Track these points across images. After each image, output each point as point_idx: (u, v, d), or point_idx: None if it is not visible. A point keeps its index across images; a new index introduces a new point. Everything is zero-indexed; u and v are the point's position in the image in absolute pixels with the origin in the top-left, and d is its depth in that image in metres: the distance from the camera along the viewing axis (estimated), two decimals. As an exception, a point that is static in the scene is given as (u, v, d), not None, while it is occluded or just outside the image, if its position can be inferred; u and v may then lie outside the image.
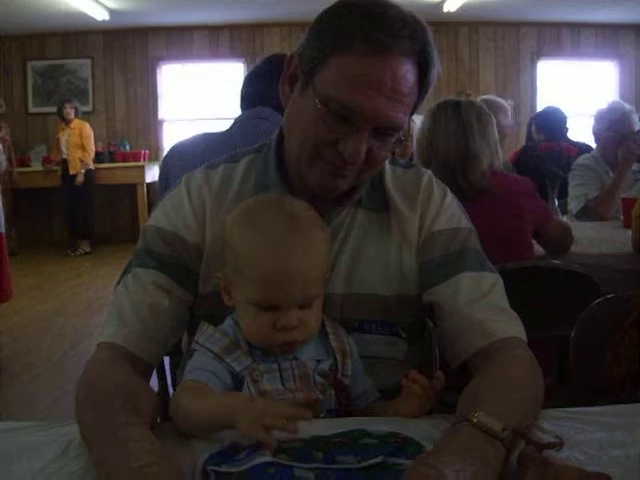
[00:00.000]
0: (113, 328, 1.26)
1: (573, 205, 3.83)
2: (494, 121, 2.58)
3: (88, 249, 8.94)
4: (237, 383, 1.13)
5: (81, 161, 8.68)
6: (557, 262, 2.39)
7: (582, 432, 1.06)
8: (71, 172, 8.68)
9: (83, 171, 8.70)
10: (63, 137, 8.72)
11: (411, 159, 3.66)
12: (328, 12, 1.22)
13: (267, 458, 0.92)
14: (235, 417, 0.97)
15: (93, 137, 8.89)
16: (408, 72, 1.19)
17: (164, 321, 1.28)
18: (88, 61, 9.93)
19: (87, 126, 8.81)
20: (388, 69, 1.16)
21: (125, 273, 1.34)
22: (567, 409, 1.18)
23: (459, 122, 2.45)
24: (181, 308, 1.32)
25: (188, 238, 1.33)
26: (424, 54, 1.21)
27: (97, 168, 9.03)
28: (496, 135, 2.57)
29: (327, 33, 1.19)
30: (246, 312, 1.15)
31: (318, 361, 1.19)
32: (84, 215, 8.88)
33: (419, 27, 1.20)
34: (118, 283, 1.34)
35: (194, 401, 1.07)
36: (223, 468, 0.92)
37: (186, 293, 1.32)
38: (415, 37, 1.18)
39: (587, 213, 3.73)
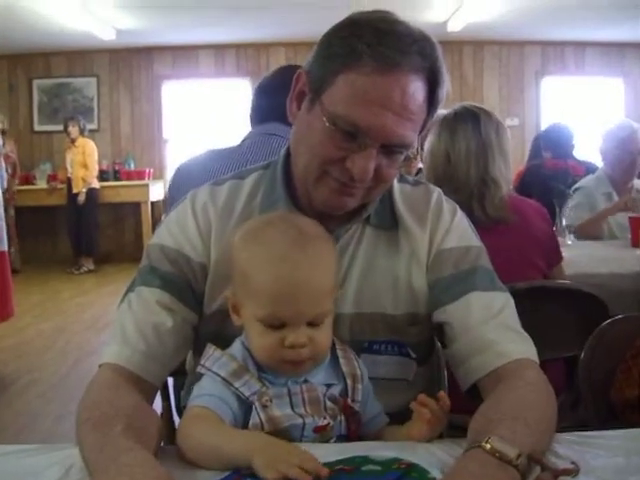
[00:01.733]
0: (116, 348, 1.24)
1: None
2: (508, 133, 2.45)
3: (92, 267, 8.93)
4: (246, 408, 1.10)
5: (83, 180, 8.68)
6: (565, 282, 2.36)
7: (597, 457, 1.03)
8: (74, 190, 8.69)
9: (84, 190, 8.69)
10: (69, 155, 8.74)
11: (416, 174, 3.63)
12: (335, 29, 1.21)
13: None
14: (252, 458, 0.95)
15: (97, 155, 8.90)
16: (417, 89, 1.17)
17: (168, 341, 1.26)
18: (94, 79, 9.97)
19: (90, 144, 8.82)
20: (397, 86, 1.15)
21: (128, 291, 1.32)
22: (581, 433, 1.15)
23: (479, 139, 2.31)
24: (185, 328, 1.29)
25: (192, 256, 1.31)
26: (433, 71, 1.19)
27: (102, 186, 9.04)
28: (510, 148, 2.43)
29: (334, 50, 1.18)
30: (255, 330, 1.12)
31: (328, 385, 1.16)
32: (88, 233, 8.88)
33: (428, 44, 1.19)
34: (122, 301, 1.32)
35: (210, 436, 1.04)
36: None
37: (190, 312, 1.30)
38: (424, 54, 1.17)
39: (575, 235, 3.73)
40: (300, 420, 1.09)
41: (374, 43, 1.14)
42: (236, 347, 1.17)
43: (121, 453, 0.95)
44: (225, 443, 1.02)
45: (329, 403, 1.14)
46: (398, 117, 1.16)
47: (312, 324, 1.10)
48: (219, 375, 1.12)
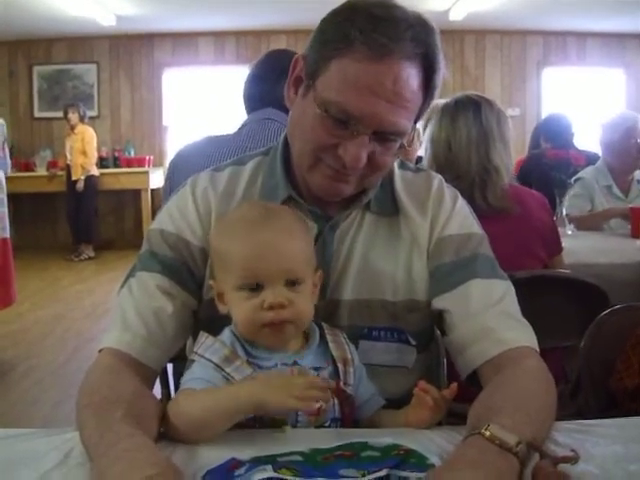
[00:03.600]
0: (116, 333, 1.24)
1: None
2: (510, 125, 2.45)
3: (92, 254, 8.93)
4: None
5: (82, 167, 8.65)
6: (566, 272, 2.36)
7: (597, 445, 1.03)
8: (73, 178, 8.67)
9: (83, 177, 8.66)
10: (68, 142, 8.71)
11: (416, 163, 3.62)
12: (332, 14, 1.20)
13: (268, 474, 0.90)
14: (264, 399, 0.99)
15: (96, 142, 8.86)
16: (411, 76, 1.16)
17: (168, 326, 1.26)
18: (94, 66, 9.93)
19: (89, 131, 8.78)
20: (389, 73, 1.14)
21: (129, 277, 1.32)
22: (580, 421, 1.15)
23: (480, 127, 2.31)
24: (185, 313, 1.30)
25: (192, 241, 1.31)
26: (428, 57, 1.18)
27: (101, 173, 9.03)
28: (511, 137, 2.44)
29: (328, 36, 1.17)
30: (235, 302, 1.14)
31: (317, 369, 1.17)
32: (86, 220, 8.87)
33: (423, 29, 1.17)
34: (122, 287, 1.32)
35: (204, 399, 1.06)
36: None
37: (190, 297, 1.30)
38: (418, 39, 1.16)
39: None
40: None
41: (367, 29, 1.13)
42: (225, 334, 1.18)
43: (121, 438, 0.95)
44: (221, 398, 1.04)
45: None
46: (390, 104, 1.15)
47: (289, 285, 1.12)
48: (211, 361, 1.13)
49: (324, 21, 1.21)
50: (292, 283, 1.12)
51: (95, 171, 8.86)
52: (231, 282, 1.14)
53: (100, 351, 1.24)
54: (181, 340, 1.32)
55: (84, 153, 8.64)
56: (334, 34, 1.16)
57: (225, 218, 1.22)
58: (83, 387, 1.14)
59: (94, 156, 8.82)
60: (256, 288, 1.11)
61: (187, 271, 1.30)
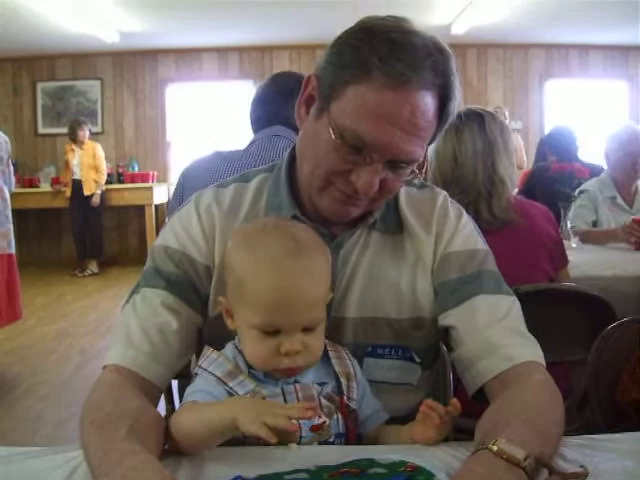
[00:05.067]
0: (120, 350, 1.23)
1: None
2: (511, 134, 2.47)
3: (96, 270, 8.93)
4: None
5: (96, 182, 8.68)
6: (571, 285, 2.35)
7: (606, 461, 1.02)
8: (85, 193, 8.65)
9: (99, 192, 8.71)
10: (74, 158, 8.71)
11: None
12: (347, 35, 1.18)
13: None
14: (236, 416, 0.97)
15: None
16: (427, 105, 1.15)
17: (173, 343, 1.25)
18: (97, 82, 9.97)
19: (99, 147, 8.83)
20: (407, 103, 1.13)
21: (133, 293, 1.32)
22: (589, 436, 1.14)
23: (485, 139, 2.32)
24: (189, 330, 1.29)
25: (197, 257, 1.30)
26: (445, 86, 1.17)
27: (107, 189, 9.04)
28: (513, 149, 2.45)
29: (346, 59, 1.15)
30: (249, 337, 1.12)
31: (321, 384, 1.16)
32: (95, 236, 8.88)
33: (442, 57, 1.16)
34: (126, 302, 1.32)
35: (194, 413, 1.06)
36: None
37: (194, 314, 1.29)
38: (437, 70, 1.15)
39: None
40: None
41: (386, 56, 1.11)
42: (228, 348, 1.18)
43: (125, 456, 0.95)
44: (207, 413, 1.04)
45: (324, 401, 1.15)
46: (406, 134, 1.14)
47: (306, 330, 1.11)
48: (214, 375, 1.13)
49: (340, 42, 1.18)
50: (310, 328, 1.12)
51: (104, 187, 8.90)
52: (247, 317, 1.12)
53: (104, 367, 1.23)
54: (185, 357, 1.31)
55: (96, 168, 8.66)
56: (351, 59, 1.14)
57: (249, 238, 1.16)
58: (87, 404, 1.14)
59: (105, 172, 8.85)
60: (273, 332, 1.10)
61: (192, 288, 1.29)
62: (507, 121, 8.12)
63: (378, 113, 1.12)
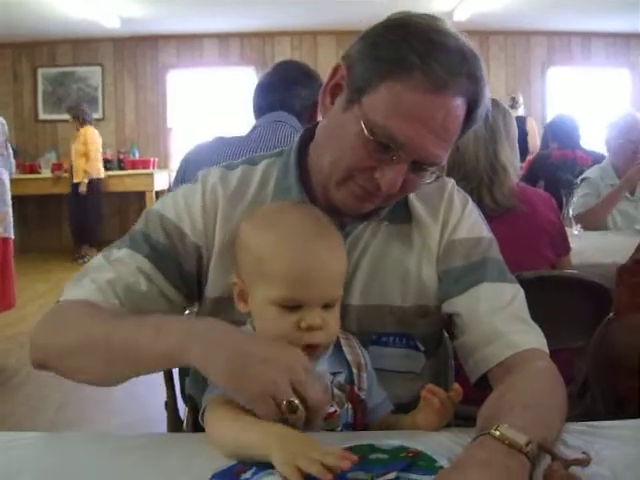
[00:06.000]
0: (86, 291, 1.23)
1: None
2: (515, 122, 2.46)
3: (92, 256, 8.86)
4: None
5: (84, 171, 8.53)
6: (573, 272, 2.35)
7: (608, 447, 1.02)
8: (75, 180, 8.58)
9: (86, 181, 8.54)
10: (72, 144, 8.69)
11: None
12: (384, 29, 1.17)
13: (275, 478, 0.89)
14: (270, 452, 0.92)
15: (100, 144, 8.77)
16: (459, 111, 1.15)
17: (140, 305, 1.23)
18: (98, 68, 9.95)
19: (93, 133, 8.66)
20: (442, 108, 1.12)
21: (113, 247, 1.31)
22: (590, 423, 1.14)
23: (487, 125, 2.30)
24: (159, 301, 1.27)
25: (189, 234, 1.29)
26: (476, 93, 1.17)
27: (108, 176, 9.00)
28: (517, 136, 2.45)
29: (382, 53, 1.13)
30: (268, 314, 1.11)
31: (334, 373, 1.15)
32: (90, 223, 8.79)
33: (477, 64, 1.16)
34: (103, 252, 1.31)
35: (228, 425, 1.02)
36: None
37: (171, 288, 1.28)
38: (472, 77, 1.15)
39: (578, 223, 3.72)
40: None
41: (426, 57, 1.10)
42: (247, 329, 1.17)
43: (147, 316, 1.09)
44: (242, 433, 0.99)
45: (336, 391, 1.14)
46: (436, 137, 1.14)
47: (326, 307, 1.10)
48: None
49: (375, 34, 1.17)
50: (329, 305, 1.11)
51: (100, 173, 8.77)
52: (266, 293, 1.10)
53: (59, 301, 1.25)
54: None
55: (85, 155, 8.55)
56: (389, 53, 1.13)
57: (267, 218, 1.16)
58: (63, 319, 1.20)
59: (97, 159, 8.70)
60: (293, 307, 1.09)
61: (175, 262, 1.28)
62: (522, 107, 8.14)
63: (413, 114, 1.11)
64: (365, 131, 1.13)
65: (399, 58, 1.11)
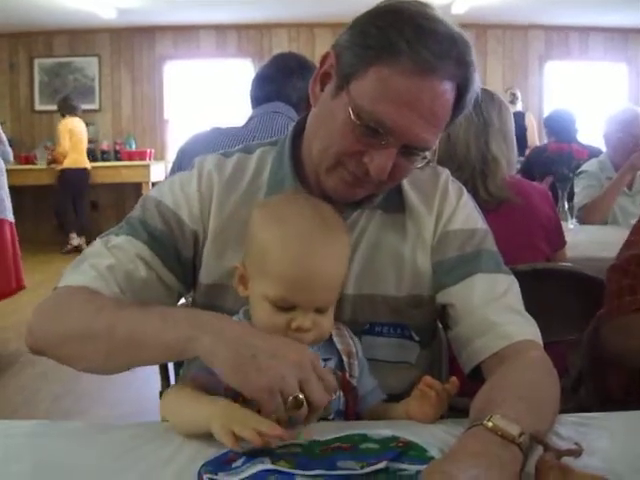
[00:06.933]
0: (86, 277, 1.22)
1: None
2: (512, 117, 2.45)
3: (75, 243, 8.78)
4: None
5: (57, 160, 8.57)
6: (568, 265, 2.35)
7: (600, 438, 1.03)
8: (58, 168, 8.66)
9: (57, 168, 8.58)
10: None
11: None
12: (373, 16, 1.17)
13: (266, 466, 0.90)
14: (210, 423, 0.97)
15: (81, 135, 8.67)
16: (447, 95, 1.15)
17: (139, 291, 1.24)
18: (95, 59, 9.92)
19: (70, 124, 8.62)
20: (429, 91, 1.12)
21: (110, 233, 1.31)
22: (583, 414, 1.15)
23: (479, 116, 2.28)
24: (157, 287, 1.27)
25: (186, 220, 1.30)
26: (465, 77, 1.17)
27: (103, 167, 9.01)
28: (513, 132, 2.43)
29: (371, 40, 1.14)
30: (261, 308, 1.11)
31: (325, 360, 1.16)
32: (73, 213, 8.82)
33: (467, 49, 1.16)
34: (100, 238, 1.31)
35: (180, 402, 1.06)
36: (220, 477, 0.89)
37: (169, 274, 1.28)
38: (461, 61, 1.15)
39: (579, 219, 3.71)
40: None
41: (414, 42, 1.10)
42: (236, 318, 1.18)
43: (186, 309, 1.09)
44: (189, 408, 1.04)
45: None
46: (424, 121, 1.14)
47: (319, 310, 1.10)
48: None
49: (364, 21, 1.17)
50: (323, 308, 1.11)
51: (79, 164, 8.68)
52: (263, 288, 1.10)
53: (56, 288, 1.24)
54: None
55: (62, 146, 8.56)
56: (377, 39, 1.13)
57: (277, 210, 1.15)
58: (63, 306, 1.19)
59: (76, 150, 8.64)
60: (287, 308, 1.09)
61: (173, 248, 1.28)
62: (519, 102, 8.14)
63: (401, 98, 1.12)
64: (352, 116, 1.14)
65: (387, 44, 1.12)
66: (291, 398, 0.97)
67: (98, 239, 1.31)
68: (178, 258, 1.29)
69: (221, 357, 1.00)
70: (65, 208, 8.85)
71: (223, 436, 0.94)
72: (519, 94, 8.19)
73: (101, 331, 1.10)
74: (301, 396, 0.98)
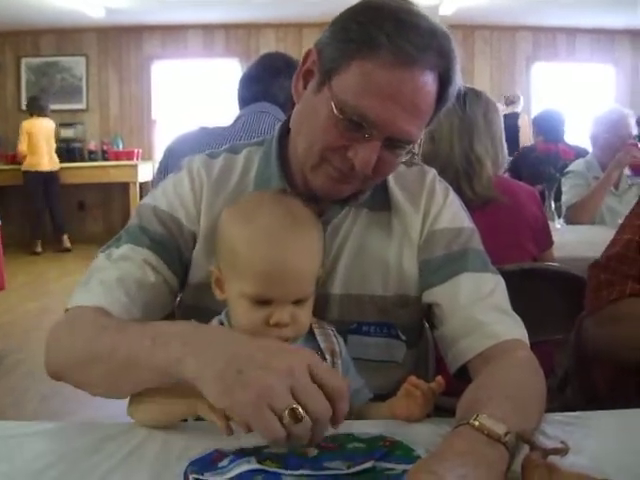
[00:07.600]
0: (93, 296, 1.20)
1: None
2: (501, 117, 2.45)
3: (39, 249, 8.75)
4: None
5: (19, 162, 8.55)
6: (554, 265, 2.36)
7: (587, 437, 1.03)
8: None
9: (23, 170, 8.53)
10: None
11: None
12: (353, 12, 1.18)
13: (253, 465, 0.89)
14: (197, 401, 0.97)
15: (44, 136, 8.62)
16: (429, 86, 1.15)
17: (150, 298, 1.24)
18: (83, 59, 9.88)
19: (23, 123, 8.61)
20: (410, 82, 1.13)
21: (110, 246, 1.30)
22: (569, 413, 1.15)
23: (464, 117, 2.29)
24: (164, 290, 1.27)
25: (184, 222, 1.30)
26: (447, 70, 1.17)
27: (90, 166, 9.03)
28: (502, 132, 2.42)
29: (352, 35, 1.14)
30: (240, 307, 1.11)
31: None
32: (43, 215, 8.80)
33: (447, 42, 1.16)
34: (101, 252, 1.29)
35: (158, 392, 1.05)
36: (207, 476, 0.89)
37: (173, 277, 1.28)
38: (442, 52, 1.15)
39: (567, 218, 3.73)
40: None
41: (394, 35, 1.11)
42: (213, 323, 1.18)
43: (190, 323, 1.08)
44: (169, 392, 1.04)
45: None
46: (407, 113, 1.14)
47: (296, 303, 1.10)
48: None
49: (344, 18, 1.18)
50: (300, 301, 1.11)
51: (41, 167, 8.63)
52: (239, 287, 1.10)
53: (68, 310, 1.22)
54: (157, 315, 1.27)
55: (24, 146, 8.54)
56: (358, 34, 1.13)
57: (245, 209, 1.15)
58: (73, 331, 1.17)
59: (19, 149, 8.60)
60: (264, 302, 1.09)
61: (176, 250, 1.29)
62: (520, 105, 8.15)
63: (383, 91, 1.12)
64: (335, 110, 1.14)
65: (368, 38, 1.12)
66: (287, 411, 0.88)
67: (100, 253, 1.30)
68: (180, 259, 1.30)
69: (207, 380, 0.93)
70: (30, 209, 8.78)
71: (213, 414, 0.93)
72: (520, 95, 8.22)
73: (103, 355, 1.07)
74: (299, 408, 0.88)
